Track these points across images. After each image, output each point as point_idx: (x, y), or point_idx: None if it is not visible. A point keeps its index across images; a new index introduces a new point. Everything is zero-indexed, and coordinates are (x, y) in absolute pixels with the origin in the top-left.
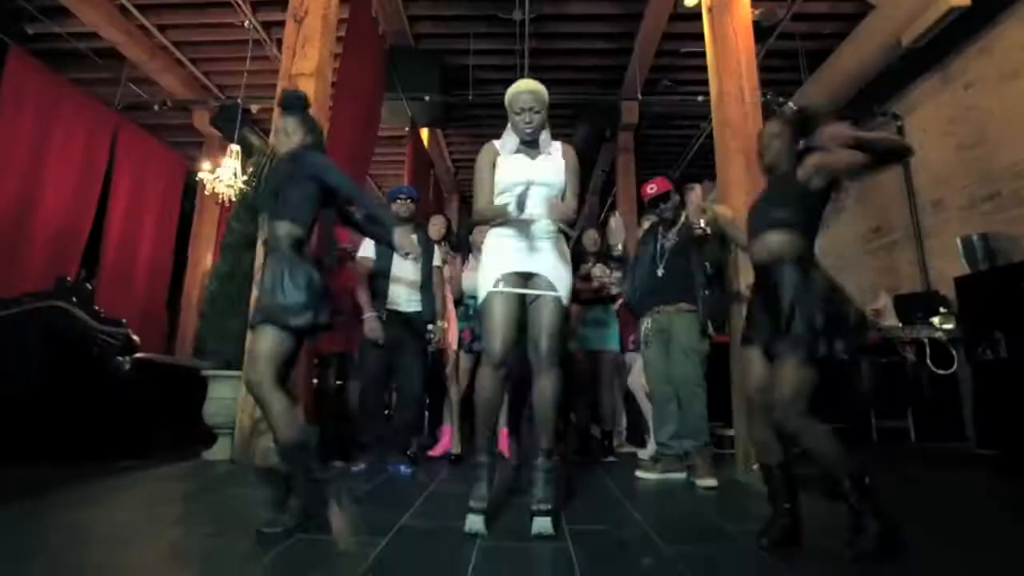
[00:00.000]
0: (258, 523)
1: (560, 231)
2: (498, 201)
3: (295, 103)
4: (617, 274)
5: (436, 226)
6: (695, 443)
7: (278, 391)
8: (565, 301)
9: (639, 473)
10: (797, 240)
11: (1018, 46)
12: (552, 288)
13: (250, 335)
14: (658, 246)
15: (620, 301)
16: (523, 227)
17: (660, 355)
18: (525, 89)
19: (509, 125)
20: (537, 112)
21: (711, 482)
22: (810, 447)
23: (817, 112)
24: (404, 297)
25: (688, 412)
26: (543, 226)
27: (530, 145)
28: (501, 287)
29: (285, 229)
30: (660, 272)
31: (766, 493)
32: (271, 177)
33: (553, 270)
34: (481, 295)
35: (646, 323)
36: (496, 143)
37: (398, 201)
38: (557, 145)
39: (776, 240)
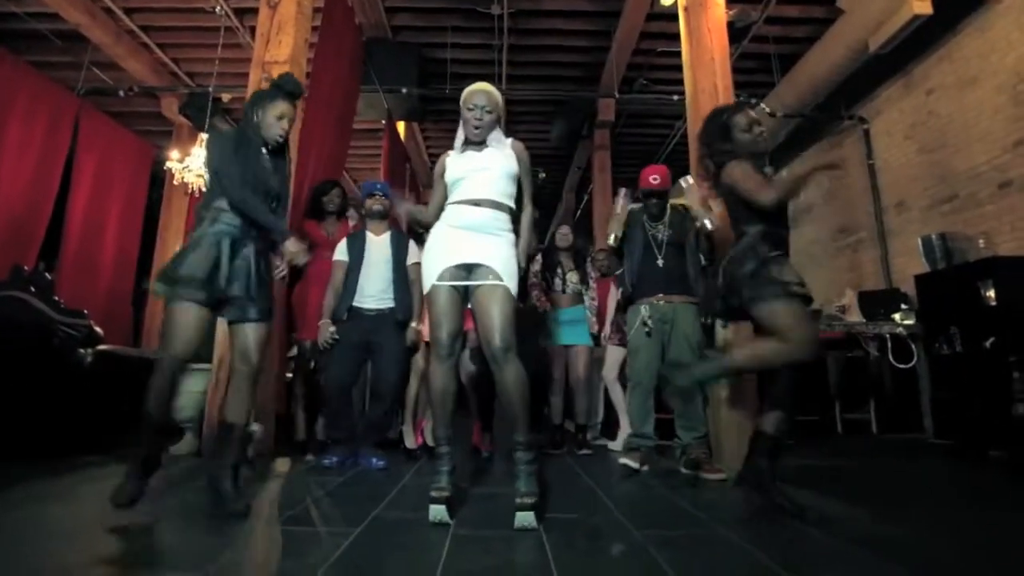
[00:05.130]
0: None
1: (513, 225)
2: (452, 193)
3: (301, 90)
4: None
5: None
6: (696, 435)
7: None
8: (513, 290)
9: (623, 460)
10: None
11: (976, 54)
12: (498, 278)
13: (255, 328)
14: (650, 236)
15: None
16: (470, 215)
17: (656, 345)
18: (479, 89)
19: (462, 124)
20: (489, 112)
21: (720, 476)
22: None
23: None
24: (376, 295)
25: (689, 405)
26: (492, 216)
27: (479, 145)
28: (445, 281)
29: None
30: (660, 262)
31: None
32: (267, 172)
33: (498, 259)
34: (425, 287)
35: (643, 310)
36: (449, 152)
37: (374, 196)
38: (510, 141)
39: None
